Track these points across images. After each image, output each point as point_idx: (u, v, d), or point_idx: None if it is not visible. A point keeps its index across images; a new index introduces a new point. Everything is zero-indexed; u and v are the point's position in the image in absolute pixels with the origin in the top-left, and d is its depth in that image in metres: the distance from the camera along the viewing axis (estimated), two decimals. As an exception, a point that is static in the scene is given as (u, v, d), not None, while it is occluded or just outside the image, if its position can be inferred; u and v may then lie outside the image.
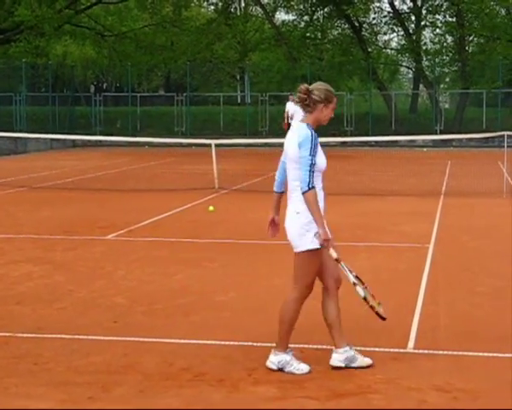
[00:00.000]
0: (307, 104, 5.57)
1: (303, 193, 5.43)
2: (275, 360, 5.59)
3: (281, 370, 5.57)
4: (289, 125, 27.63)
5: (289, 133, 5.64)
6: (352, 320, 6.89)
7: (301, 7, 42.05)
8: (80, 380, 5.49)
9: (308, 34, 42.30)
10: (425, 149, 30.61)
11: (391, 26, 42.30)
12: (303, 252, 5.52)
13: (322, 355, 5.99)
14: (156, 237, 11.34)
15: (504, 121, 33.04)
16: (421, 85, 43.91)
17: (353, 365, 5.63)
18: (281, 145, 6.22)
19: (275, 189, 5.86)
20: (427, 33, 41.64)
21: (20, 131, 31.34)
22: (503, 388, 5.33)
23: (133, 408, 5.03)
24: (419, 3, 41.08)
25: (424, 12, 41.24)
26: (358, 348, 6.11)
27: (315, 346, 6.20)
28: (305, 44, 41.35)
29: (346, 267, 5.58)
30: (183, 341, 6.40)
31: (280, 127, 26.44)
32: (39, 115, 35.71)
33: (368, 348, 6.09)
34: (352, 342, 6.10)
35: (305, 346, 6.18)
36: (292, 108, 26.51)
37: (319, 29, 42.50)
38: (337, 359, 5.64)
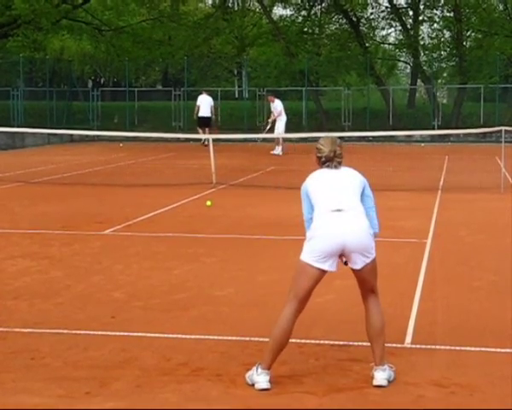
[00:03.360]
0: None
1: (375, 230, 5.45)
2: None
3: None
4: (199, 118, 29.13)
5: (339, 169, 5.48)
6: (349, 315, 6.90)
7: (299, 1, 42.01)
8: (77, 375, 5.49)
9: (306, 29, 42.24)
10: (423, 145, 30.61)
11: (388, 21, 42.27)
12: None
13: (320, 351, 6.00)
14: (154, 232, 11.33)
15: (502, 116, 33.03)
16: (418, 80, 43.91)
17: (390, 380, 5.38)
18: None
19: None
20: (424, 28, 41.64)
21: (18, 126, 31.25)
22: (500, 383, 5.34)
23: (131, 403, 5.04)
24: (416, -2, 41.07)
25: (422, 7, 41.20)
26: (357, 344, 6.12)
27: (313, 341, 6.21)
28: (302, 39, 41.30)
29: None
30: (180, 336, 6.40)
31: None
32: (37, 110, 35.62)
33: (365, 343, 6.09)
34: (350, 338, 6.13)
35: (304, 341, 6.18)
36: (203, 101, 29.21)
37: (317, 24, 42.43)
38: (382, 377, 5.31)
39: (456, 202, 14.26)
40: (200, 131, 28.74)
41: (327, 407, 4.99)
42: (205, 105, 29.25)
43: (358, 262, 5.33)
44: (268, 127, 26.38)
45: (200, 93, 30.33)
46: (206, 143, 28.52)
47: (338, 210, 5.30)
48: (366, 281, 5.42)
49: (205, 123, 28.96)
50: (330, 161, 5.46)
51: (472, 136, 30.28)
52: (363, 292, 5.50)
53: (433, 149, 28.47)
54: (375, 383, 5.26)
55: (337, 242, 5.25)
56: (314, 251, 5.27)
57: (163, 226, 11.82)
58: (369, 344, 6.02)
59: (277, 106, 26.46)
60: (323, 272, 5.32)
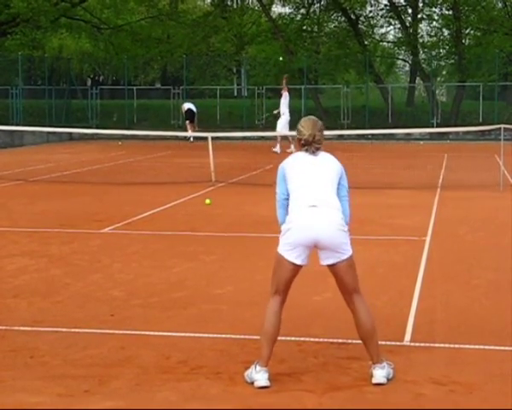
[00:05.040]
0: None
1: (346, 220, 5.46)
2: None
3: None
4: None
5: (317, 155, 5.46)
6: (347, 313, 6.90)
7: (297, 0, 41.99)
8: (77, 373, 5.49)
9: (304, 27, 42.20)
10: (421, 143, 30.60)
11: (387, 19, 42.22)
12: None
13: (319, 348, 6.00)
14: (153, 230, 11.33)
15: (501, 114, 33.02)
16: (417, 78, 43.87)
17: (390, 377, 5.36)
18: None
19: None
20: (423, 26, 41.59)
21: (17, 125, 31.22)
22: (499, 380, 5.34)
23: (130, 402, 5.04)
24: (415, -4, 41.04)
25: (421, 5, 41.17)
26: (355, 342, 6.12)
27: (312, 339, 6.21)
28: (301, 37, 41.26)
29: None
30: (179, 334, 6.41)
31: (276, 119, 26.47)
32: (36, 108, 35.59)
33: (364, 341, 6.10)
34: (349, 336, 6.12)
35: (303, 339, 6.18)
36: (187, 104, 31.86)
37: (316, 22, 42.39)
38: (381, 375, 5.30)
39: (455, 200, 14.26)
40: (188, 126, 30.28)
41: (326, 406, 4.99)
42: (189, 104, 32.24)
43: (331, 258, 5.35)
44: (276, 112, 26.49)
45: (183, 97, 34.01)
46: (192, 140, 29.62)
47: (313, 206, 5.31)
48: (344, 281, 5.40)
49: (191, 116, 31.45)
50: (309, 145, 5.44)
51: (471, 134, 30.28)
52: (345, 296, 5.47)
53: (432, 147, 28.47)
54: (374, 381, 5.26)
55: (309, 235, 5.28)
56: (287, 244, 5.33)
57: (162, 225, 11.81)
58: (368, 342, 6.02)
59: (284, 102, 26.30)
60: (298, 266, 5.37)
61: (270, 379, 5.25)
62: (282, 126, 25.65)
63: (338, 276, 5.41)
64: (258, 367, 5.28)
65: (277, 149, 25.29)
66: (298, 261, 5.33)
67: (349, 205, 5.57)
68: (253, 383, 5.26)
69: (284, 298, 5.44)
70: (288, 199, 5.45)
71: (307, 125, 5.47)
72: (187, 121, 31.78)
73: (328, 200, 5.36)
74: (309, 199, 5.33)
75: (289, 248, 5.33)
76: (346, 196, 5.54)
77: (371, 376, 5.29)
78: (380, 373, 5.28)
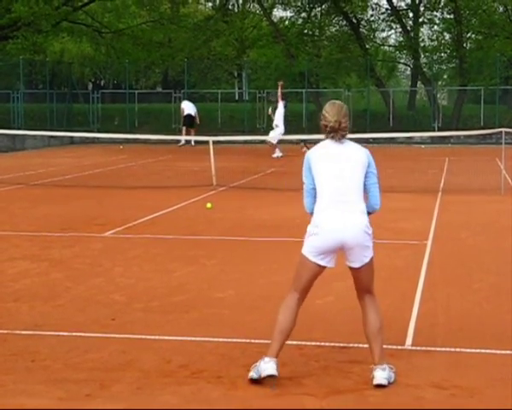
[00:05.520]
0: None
1: (377, 206, 5.51)
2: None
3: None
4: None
5: (345, 145, 5.39)
6: (349, 317, 6.90)
7: (299, 4, 42.02)
8: (78, 377, 5.49)
9: (306, 31, 42.26)
10: (423, 146, 30.61)
11: (389, 22, 42.28)
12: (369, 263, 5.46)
13: (320, 352, 6.00)
14: (154, 234, 11.33)
15: (502, 118, 33.03)
16: (418, 82, 43.90)
17: (391, 381, 5.34)
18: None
19: None
20: (424, 30, 41.66)
21: (18, 129, 31.28)
22: (500, 384, 5.34)
23: (131, 405, 5.03)
24: (417, 0, 41.06)
25: (422, 9, 41.24)
26: (357, 346, 6.12)
27: (313, 343, 6.20)
28: (302, 41, 41.32)
29: None
30: (181, 338, 6.40)
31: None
32: (37, 112, 35.64)
33: (365, 345, 6.09)
34: (350, 340, 6.12)
35: (304, 343, 6.18)
36: (187, 105, 31.68)
37: (317, 26, 42.46)
38: (382, 376, 5.28)
39: (456, 204, 14.25)
40: (184, 131, 30.26)
41: (327, 409, 4.99)
42: (189, 107, 31.74)
43: (357, 261, 5.35)
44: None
45: (182, 99, 33.31)
46: (183, 143, 29.89)
47: (340, 202, 5.27)
48: (363, 281, 5.43)
49: (190, 122, 31.19)
50: (335, 132, 5.34)
51: (472, 137, 30.29)
52: (359, 292, 5.52)
53: (433, 151, 28.47)
54: (375, 382, 5.25)
55: (335, 241, 5.28)
56: (313, 247, 5.33)
57: (163, 228, 11.81)
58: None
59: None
60: (322, 267, 5.38)
61: (278, 371, 5.26)
62: (274, 137, 25.46)
63: (358, 277, 5.43)
64: (266, 358, 5.30)
65: (277, 153, 25.28)
66: (323, 263, 5.35)
67: (379, 191, 5.55)
68: (258, 379, 5.24)
69: (303, 297, 5.45)
70: (315, 189, 5.40)
71: (332, 110, 5.37)
72: (184, 127, 31.43)
73: (354, 200, 5.32)
74: (336, 194, 5.29)
75: (315, 252, 5.32)
76: (375, 184, 5.49)
77: (372, 378, 5.28)
78: (381, 374, 5.27)
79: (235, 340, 6.31)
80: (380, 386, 5.24)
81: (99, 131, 32.72)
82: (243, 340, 6.30)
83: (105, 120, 36.98)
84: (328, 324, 6.78)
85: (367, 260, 5.37)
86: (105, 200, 15.19)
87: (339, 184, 5.30)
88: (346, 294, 7.76)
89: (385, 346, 6.09)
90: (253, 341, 6.25)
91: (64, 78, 41.41)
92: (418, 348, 6.13)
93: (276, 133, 25.52)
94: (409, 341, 6.29)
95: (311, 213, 5.45)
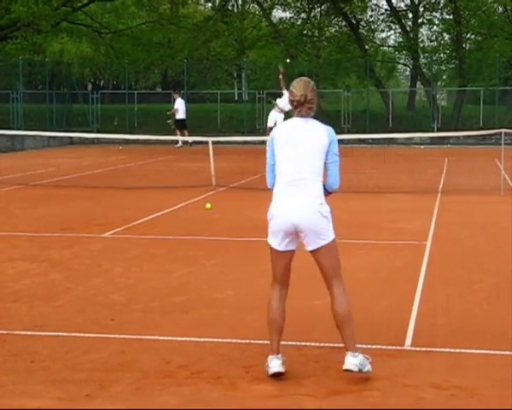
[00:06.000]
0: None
1: (336, 186, 5.54)
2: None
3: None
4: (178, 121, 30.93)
5: (307, 124, 5.45)
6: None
7: (298, 4, 42.03)
8: (77, 378, 5.49)
9: (305, 32, 42.29)
10: (422, 147, 30.61)
11: (388, 23, 42.32)
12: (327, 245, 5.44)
13: (320, 353, 6.00)
14: (153, 234, 11.33)
15: (501, 119, 33.03)
16: (418, 83, 43.92)
17: (364, 370, 5.37)
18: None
19: None
20: (424, 31, 41.69)
21: (18, 129, 31.28)
22: (499, 385, 5.34)
23: (130, 406, 5.03)
24: (416, 1, 41.09)
25: (421, 9, 41.26)
26: (356, 346, 6.12)
27: (313, 344, 6.20)
28: (302, 42, 41.34)
29: None
30: (180, 338, 6.40)
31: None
32: (36, 113, 35.63)
33: (365, 345, 6.09)
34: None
35: (303, 344, 6.18)
36: (181, 105, 31.44)
37: (316, 26, 42.48)
38: (352, 362, 5.33)
39: (455, 205, 14.26)
40: (178, 132, 30.33)
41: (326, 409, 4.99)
42: (182, 108, 31.57)
43: (312, 244, 5.40)
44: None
45: (175, 97, 32.42)
46: (180, 145, 29.99)
47: (294, 186, 5.36)
48: (325, 266, 5.45)
49: (183, 125, 31.18)
50: (301, 105, 5.43)
51: (471, 138, 30.29)
52: (325, 279, 5.55)
53: (432, 152, 28.48)
54: (344, 367, 5.29)
55: (287, 223, 5.36)
56: (272, 233, 5.47)
57: (163, 229, 11.81)
58: (369, 346, 6.03)
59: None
60: (287, 252, 5.46)
61: (283, 365, 5.34)
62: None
63: (318, 261, 5.48)
64: (270, 356, 5.38)
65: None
66: (281, 248, 5.44)
67: (339, 170, 5.59)
68: (275, 373, 5.33)
69: (284, 285, 5.55)
70: (275, 165, 5.55)
71: (299, 85, 5.47)
72: (177, 129, 31.17)
73: (308, 184, 5.39)
74: (289, 184, 5.39)
75: (272, 236, 5.46)
76: (335, 162, 5.55)
77: (343, 363, 5.31)
78: (351, 360, 5.30)
79: (234, 340, 6.31)
80: (348, 371, 5.28)
81: (98, 132, 32.70)
82: (243, 340, 6.30)
83: (104, 120, 36.98)
84: (328, 324, 6.76)
85: (324, 242, 5.39)
86: (104, 200, 15.19)
87: (295, 168, 5.40)
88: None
89: (384, 346, 6.11)
90: (252, 341, 6.25)
91: (63, 78, 41.40)
92: (418, 348, 6.13)
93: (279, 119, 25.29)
94: (408, 341, 6.29)
95: (271, 189, 5.58)
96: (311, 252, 5.44)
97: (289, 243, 5.44)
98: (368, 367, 5.36)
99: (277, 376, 5.35)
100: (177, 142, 30.32)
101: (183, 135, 30.11)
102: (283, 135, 5.50)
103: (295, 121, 5.50)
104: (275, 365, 5.34)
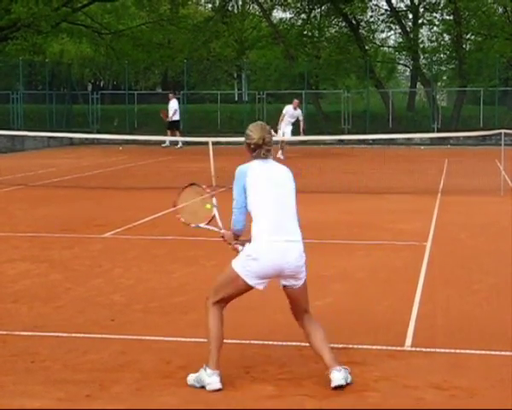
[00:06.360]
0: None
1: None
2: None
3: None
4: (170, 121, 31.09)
5: (278, 166, 5.53)
6: (348, 318, 6.90)
7: (298, 5, 42.03)
8: (77, 378, 5.49)
9: (305, 32, 42.28)
10: (422, 147, 30.61)
11: (388, 24, 42.31)
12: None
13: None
14: (154, 235, 11.34)
15: (501, 119, 33.01)
16: (418, 83, 43.92)
17: (348, 381, 5.36)
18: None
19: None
20: (424, 31, 41.67)
21: (18, 129, 31.27)
22: (499, 385, 5.34)
23: (130, 406, 5.03)
24: (416, 1, 41.08)
25: (421, 10, 41.24)
26: (356, 347, 6.13)
27: (312, 344, 6.20)
28: (302, 42, 41.34)
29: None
30: (180, 339, 6.40)
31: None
32: (36, 113, 35.62)
33: (365, 346, 6.11)
34: (350, 341, 6.11)
35: (303, 344, 6.17)
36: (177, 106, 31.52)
37: (316, 27, 42.47)
38: (340, 377, 5.28)
39: (455, 205, 14.26)
40: (169, 133, 30.36)
41: (327, 410, 4.99)
42: (175, 106, 31.72)
43: (297, 283, 5.40)
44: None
45: (170, 97, 32.59)
46: (180, 146, 30.16)
47: (280, 229, 5.30)
48: (299, 301, 5.46)
49: (177, 126, 31.40)
50: (259, 148, 5.46)
51: (471, 139, 30.29)
52: (297, 314, 5.53)
53: (432, 152, 28.48)
54: (334, 384, 5.24)
55: (275, 270, 5.32)
56: (251, 271, 5.33)
57: (163, 229, 11.81)
58: (368, 347, 6.04)
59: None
60: (252, 287, 5.40)
61: (222, 382, 5.28)
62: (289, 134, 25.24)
63: (293, 297, 5.45)
64: (209, 371, 5.30)
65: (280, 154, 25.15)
66: (256, 286, 5.38)
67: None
68: (202, 387, 5.27)
69: (226, 304, 5.53)
70: (246, 207, 5.46)
71: (256, 129, 5.53)
72: (169, 130, 31.14)
73: (292, 227, 5.38)
74: (275, 225, 5.32)
75: (252, 276, 5.34)
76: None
77: (330, 381, 5.24)
78: (338, 375, 5.26)
79: (234, 341, 6.30)
80: (339, 388, 5.21)
81: (98, 132, 32.70)
82: (242, 341, 6.30)
83: (104, 120, 36.96)
84: (328, 325, 6.74)
85: (302, 281, 5.42)
86: (104, 201, 15.19)
87: (277, 210, 5.36)
88: (344, 296, 7.78)
89: (384, 347, 6.11)
90: (252, 342, 6.25)
91: (63, 79, 41.39)
92: (418, 349, 6.13)
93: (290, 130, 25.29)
94: (408, 342, 6.29)
95: (238, 232, 5.51)
96: (286, 288, 5.42)
97: (265, 282, 5.41)
98: (350, 378, 5.35)
99: (217, 391, 5.27)
100: (176, 143, 30.36)
101: (174, 136, 30.05)
102: (256, 176, 5.45)
103: (259, 163, 5.49)
104: (216, 381, 5.26)
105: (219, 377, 5.29)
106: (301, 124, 25.69)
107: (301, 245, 5.40)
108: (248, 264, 5.32)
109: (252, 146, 5.49)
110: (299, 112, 25.87)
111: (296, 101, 26.18)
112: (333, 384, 5.23)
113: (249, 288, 5.40)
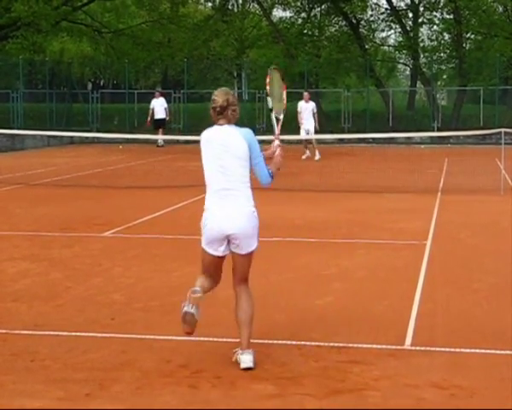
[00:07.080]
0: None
1: (267, 183, 5.73)
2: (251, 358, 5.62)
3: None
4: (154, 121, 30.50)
5: (226, 133, 5.65)
6: (348, 317, 6.90)
7: (298, 4, 42.05)
8: (77, 377, 5.49)
9: (305, 31, 42.26)
10: (422, 147, 30.62)
11: (388, 23, 42.32)
12: (253, 251, 5.71)
13: (320, 352, 6.00)
14: (154, 233, 11.34)
15: (501, 118, 33.01)
16: (418, 82, 43.92)
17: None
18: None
19: None
20: (424, 30, 41.67)
21: (18, 128, 31.25)
22: (499, 384, 5.34)
23: (131, 405, 5.03)
24: (416, 0, 41.09)
25: (421, 9, 41.24)
26: (356, 346, 6.13)
27: (313, 343, 6.20)
28: (302, 41, 41.31)
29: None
30: (180, 338, 6.40)
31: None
32: (36, 112, 35.61)
33: (365, 345, 6.11)
34: (350, 340, 6.11)
35: (303, 343, 6.18)
36: (157, 104, 30.62)
37: (316, 26, 42.47)
38: (250, 359, 5.57)
39: (455, 204, 14.26)
40: (161, 131, 30.13)
41: (327, 409, 4.99)
42: (158, 108, 30.80)
43: (243, 249, 5.66)
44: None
45: (154, 96, 31.86)
46: (161, 144, 29.82)
47: (224, 192, 5.58)
48: (244, 268, 5.73)
49: (159, 125, 30.55)
50: (225, 110, 5.64)
51: (471, 138, 30.29)
52: (236, 280, 5.77)
53: (432, 151, 28.48)
54: (244, 365, 5.51)
55: (221, 231, 5.60)
56: (205, 239, 5.69)
57: (163, 228, 11.81)
58: (368, 346, 6.04)
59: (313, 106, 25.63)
60: (218, 256, 5.69)
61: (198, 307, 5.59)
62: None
63: (240, 263, 5.72)
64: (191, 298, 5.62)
65: (309, 154, 24.75)
66: (218, 253, 5.67)
67: (264, 165, 5.74)
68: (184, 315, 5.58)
69: (216, 280, 5.83)
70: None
71: (220, 93, 5.72)
72: (159, 129, 30.50)
73: (237, 189, 5.61)
74: (219, 191, 5.61)
75: (207, 243, 5.68)
76: (259, 163, 5.71)
77: (239, 361, 5.55)
78: (248, 358, 5.53)
79: (234, 340, 6.29)
80: (248, 369, 5.47)
81: (98, 131, 32.69)
82: (243, 340, 6.29)
83: (104, 119, 36.96)
84: (328, 324, 6.78)
85: (252, 248, 5.67)
86: (104, 200, 15.19)
87: (221, 176, 5.61)
88: (345, 294, 7.78)
89: (384, 346, 6.11)
90: (252, 341, 6.24)
91: (63, 77, 41.40)
92: (418, 348, 6.13)
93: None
94: (408, 341, 6.29)
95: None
96: (239, 255, 5.67)
97: (220, 247, 5.65)
98: (254, 361, 5.58)
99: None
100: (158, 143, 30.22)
101: (157, 133, 29.76)
102: (207, 144, 5.69)
103: (216, 130, 5.69)
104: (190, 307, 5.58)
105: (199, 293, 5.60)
106: (315, 116, 25.34)
107: (248, 205, 5.62)
108: (203, 233, 5.69)
109: (218, 109, 5.66)
110: (312, 104, 25.50)
111: (306, 94, 25.85)
112: (242, 366, 5.51)
113: (212, 257, 5.67)
